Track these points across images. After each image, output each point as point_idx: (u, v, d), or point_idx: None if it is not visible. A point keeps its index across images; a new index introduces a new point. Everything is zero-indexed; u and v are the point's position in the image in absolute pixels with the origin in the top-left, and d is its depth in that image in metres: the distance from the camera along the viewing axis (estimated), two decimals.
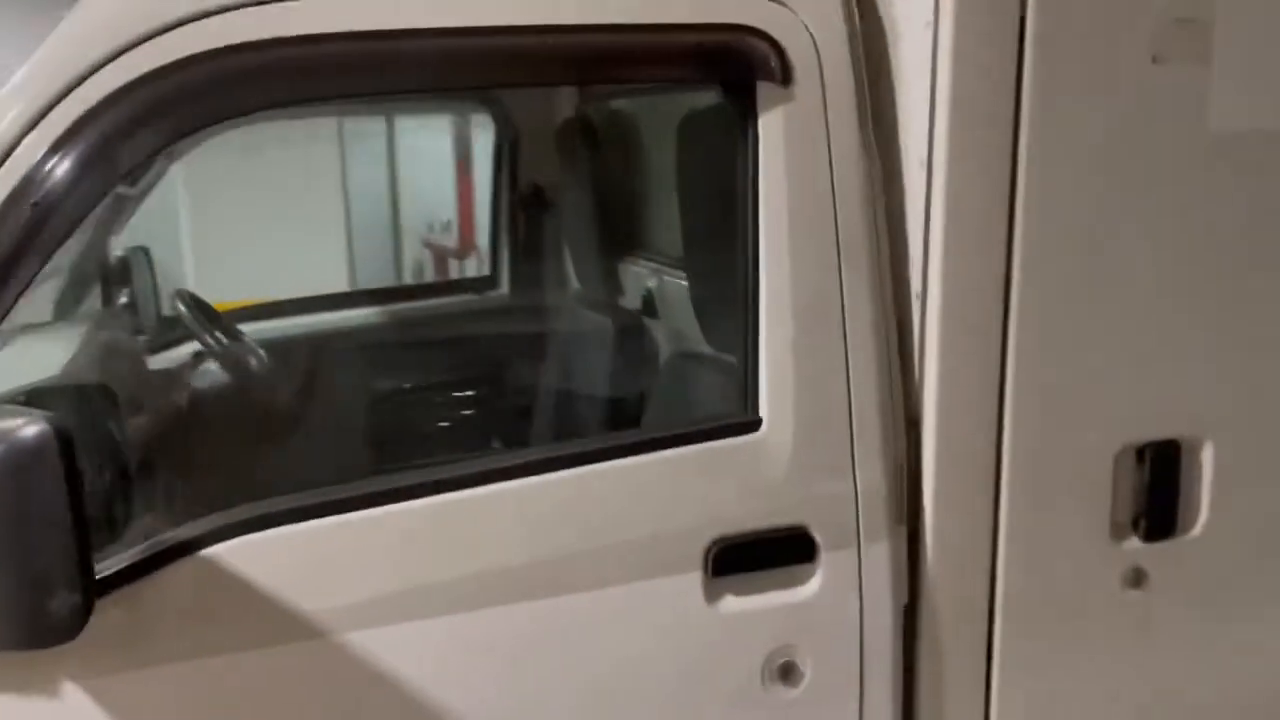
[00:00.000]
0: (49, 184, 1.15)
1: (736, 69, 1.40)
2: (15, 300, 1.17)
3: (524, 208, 2.81)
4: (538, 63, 1.37)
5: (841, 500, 1.47)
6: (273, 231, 4.09)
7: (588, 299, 2.59)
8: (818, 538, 1.46)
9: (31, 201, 1.15)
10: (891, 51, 1.53)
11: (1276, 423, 1.68)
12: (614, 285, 2.47)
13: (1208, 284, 1.62)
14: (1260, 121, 1.58)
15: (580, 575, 1.37)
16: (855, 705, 1.51)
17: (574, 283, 2.69)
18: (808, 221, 1.44)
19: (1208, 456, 1.66)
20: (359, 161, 4.56)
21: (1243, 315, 1.64)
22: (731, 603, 1.44)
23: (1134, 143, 1.53)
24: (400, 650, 1.31)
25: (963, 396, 1.53)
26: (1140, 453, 1.62)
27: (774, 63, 1.40)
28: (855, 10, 1.49)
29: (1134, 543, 1.65)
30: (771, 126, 1.42)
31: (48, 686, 1.20)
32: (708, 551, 1.42)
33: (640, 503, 1.41)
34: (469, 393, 2.54)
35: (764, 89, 1.42)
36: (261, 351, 2.38)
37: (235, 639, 1.27)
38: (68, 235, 1.20)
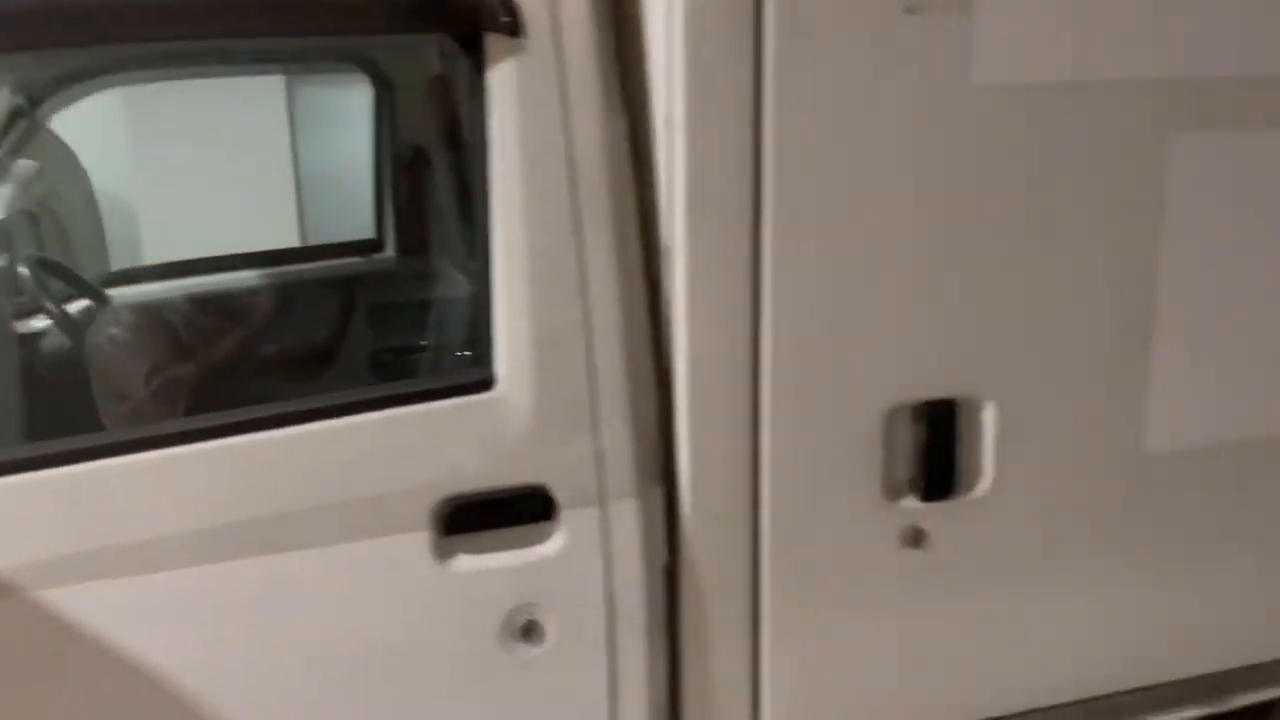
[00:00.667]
0: None
1: (462, 19, 1.37)
2: None
3: (404, 168, 2.79)
4: (254, 11, 1.34)
5: (582, 460, 1.45)
6: (221, 190, 4.11)
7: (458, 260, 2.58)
8: (557, 496, 1.45)
9: None
10: (642, 5, 1.49)
11: (1059, 383, 1.65)
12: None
13: (980, 242, 1.57)
14: (1024, 74, 1.52)
15: (302, 533, 1.37)
16: (605, 663, 1.50)
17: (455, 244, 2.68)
18: (542, 177, 1.41)
19: (989, 417, 1.63)
20: (309, 120, 4.54)
21: (1019, 274, 1.59)
22: (465, 561, 1.44)
23: (889, 97, 1.47)
24: (103, 608, 1.32)
25: (715, 355, 1.50)
26: (920, 410, 1.61)
27: (502, 14, 1.37)
28: None
29: (912, 502, 1.63)
30: (501, 80, 1.39)
31: None
32: (438, 510, 1.41)
33: (367, 460, 1.40)
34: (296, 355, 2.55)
35: (493, 41, 1.39)
36: (125, 315, 2.39)
37: None
38: None
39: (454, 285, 2.15)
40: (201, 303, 2.56)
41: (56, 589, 1.30)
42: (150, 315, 2.41)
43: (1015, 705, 1.74)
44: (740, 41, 1.41)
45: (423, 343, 2.25)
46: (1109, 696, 1.79)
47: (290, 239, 3.91)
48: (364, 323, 2.76)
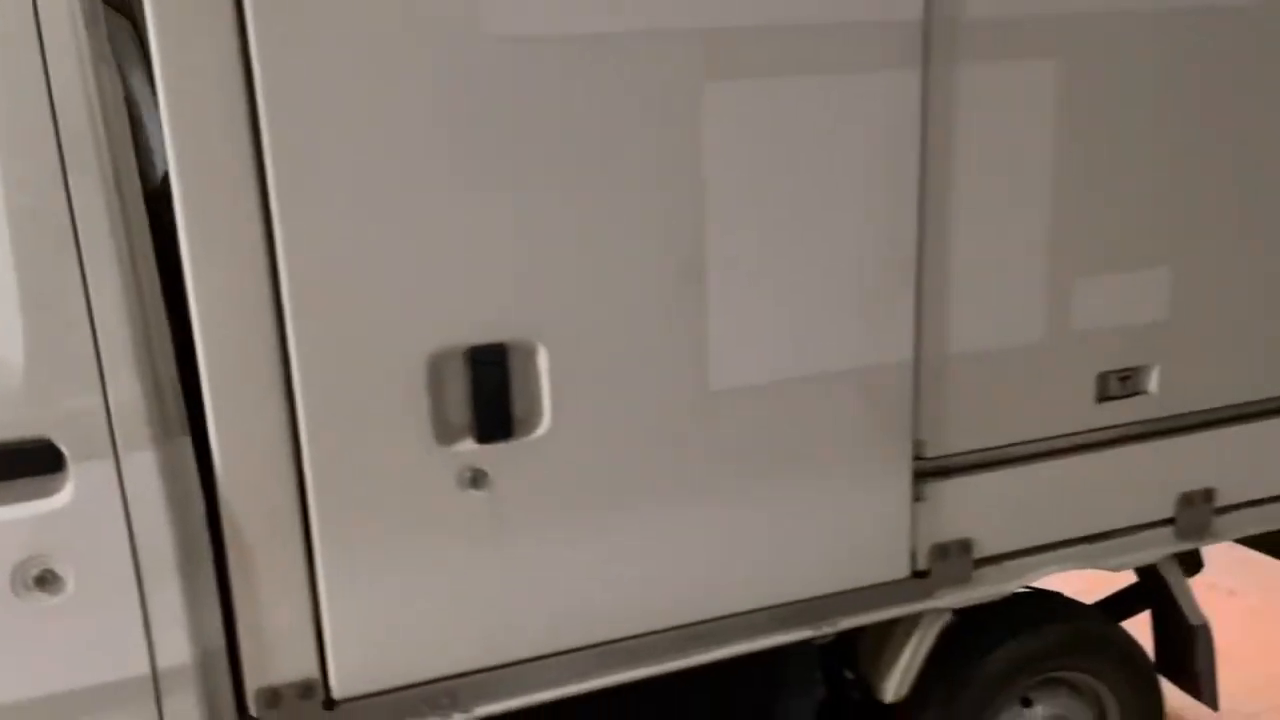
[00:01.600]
0: None
1: None
2: None
3: None
4: None
5: (89, 413, 1.45)
6: None
7: None
8: (64, 449, 1.45)
9: None
10: None
11: (612, 326, 1.68)
12: None
13: (518, 192, 1.57)
14: (535, 26, 1.52)
15: None
16: (137, 609, 1.53)
17: None
18: (21, 133, 1.38)
19: (541, 361, 1.66)
20: None
21: (565, 221, 1.61)
22: None
23: (397, 43, 1.47)
24: None
25: (227, 304, 1.49)
26: (468, 356, 1.63)
27: None
28: None
29: (469, 445, 1.66)
30: None
31: None
32: None
33: None
34: None
35: None
36: None
37: None
38: None
39: None
40: None
41: None
42: None
43: (586, 638, 1.80)
44: None
45: None
46: (693, 624, 1.86)
47: None
48: None
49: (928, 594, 2.03)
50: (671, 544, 1.80)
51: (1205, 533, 2.24)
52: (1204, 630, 2.34)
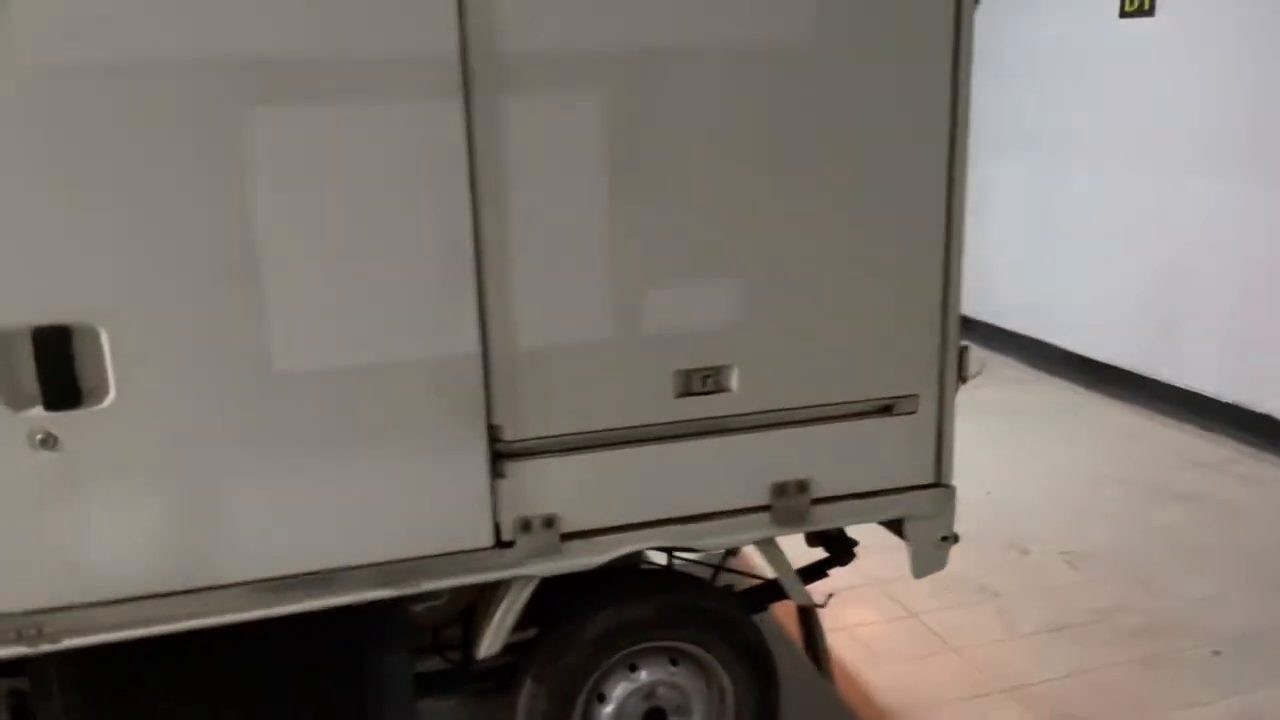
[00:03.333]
0: None
1: None
2: None
3: None
4: None
5: None
6: None
7: None
8: None
9: None
10: None
11: (172, 314, 1.94)
12: None
13: (72, 197, 1.84)
14: (80, 56, 1.79)
15: None
16: None
17: None
18: None
19: (105, 341, 1.93)
20: None
21: (124, 222, 1.88)
22: None
23: None
24: None
25: None
26: (28, 336, 1.89)
27: None
28: None
29: (39, 412, 1.93)
30: None
31: None
32: None
33: None
34: None
35: None
36: None
37: None
38: None
39: None
40: None
41: None
42: None
43: (159, 586, 2.06)
44: None
45: None
46: (270, 580, 2.12)
47: None
48: None
49: (515, 563, 2.28)
50: (244, 504, 2.06)
51: (803, 520, 2.47)
52: (810, 611, 2.57)
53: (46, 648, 2.02)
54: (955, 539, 2.64)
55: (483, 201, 2.07)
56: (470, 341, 2.13)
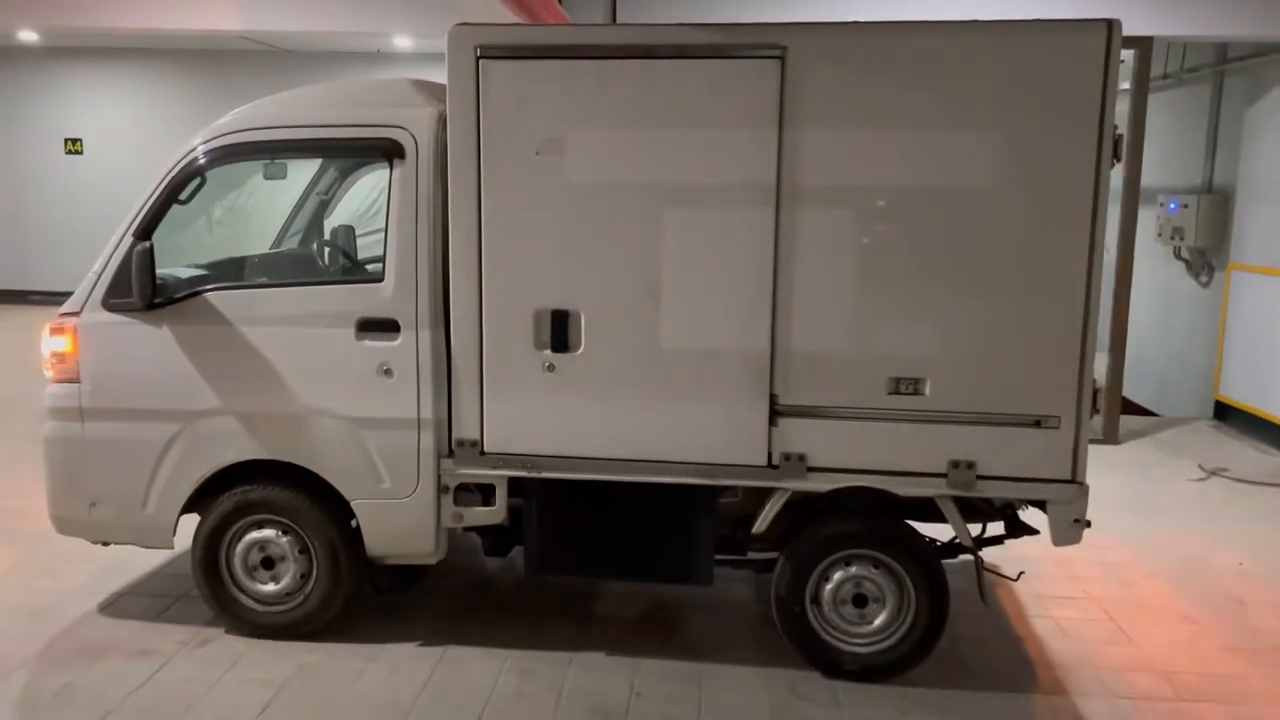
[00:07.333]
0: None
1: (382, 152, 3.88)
2: None
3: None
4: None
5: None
6: None
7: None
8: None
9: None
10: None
11: (615, 307, 3.80)
12: None
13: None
14: (596, 177, 3.74)
15: None
16: (414, 394, 3.97)
17: None
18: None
19: (583, 320, 3.83)
20: None
21: (603, 258, 3.80)
22: None
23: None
24: None
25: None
26: (550, 313, 3.85)
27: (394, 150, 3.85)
28: (439, 127, 3.88)
29: (548, 353, 3.88)
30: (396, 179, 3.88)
31: None
32: None
33: None
34: None
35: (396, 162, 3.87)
36: None
37: None
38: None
39: None
40: None
41: None
42: None
43: (607, 454, 3.91)
44: None
45: None
46: (647, 460, 3.90)
47: None
48: None
49: (777, 478, 3.87)
50: (640, 417, 3.90)
51: (970, 488, 3.78)
52: (976, 555, 3.87)
53: (537, 475, 3.98)
54: (1088, 524, 3.78)
55: (780, 268, 3.72)
56: (765, 342, 3.78)
